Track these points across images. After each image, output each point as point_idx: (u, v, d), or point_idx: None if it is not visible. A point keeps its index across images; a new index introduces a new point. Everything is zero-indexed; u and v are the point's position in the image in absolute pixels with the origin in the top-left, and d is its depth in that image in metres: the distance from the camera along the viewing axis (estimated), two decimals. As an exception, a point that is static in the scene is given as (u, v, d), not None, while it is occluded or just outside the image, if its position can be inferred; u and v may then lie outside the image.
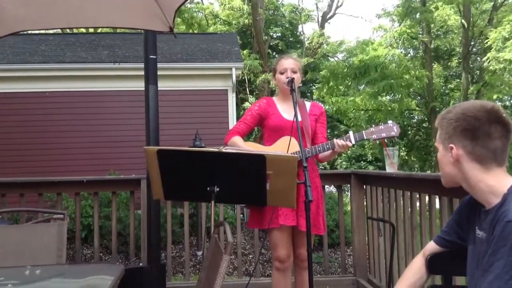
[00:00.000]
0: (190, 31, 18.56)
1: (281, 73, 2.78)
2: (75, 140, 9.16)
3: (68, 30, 14.29)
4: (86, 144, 9.17)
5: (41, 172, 7.98)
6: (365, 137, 2.64)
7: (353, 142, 2.62)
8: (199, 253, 6.59)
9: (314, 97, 17.31)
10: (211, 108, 9.59)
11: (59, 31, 13.74)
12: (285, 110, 2.80)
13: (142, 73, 3.60)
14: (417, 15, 16.30)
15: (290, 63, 2.78)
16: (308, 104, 2.92)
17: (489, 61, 14.45)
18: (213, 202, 2.09)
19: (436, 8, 15.51)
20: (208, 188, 2.06)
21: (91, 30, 14.45)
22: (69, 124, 9.26)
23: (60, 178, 4.01)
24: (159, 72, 3.66)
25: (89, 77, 9.51)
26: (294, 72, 2.76)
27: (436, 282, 2.29)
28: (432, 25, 17.33)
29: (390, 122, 2.68)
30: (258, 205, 2.63)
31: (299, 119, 2.63)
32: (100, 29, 14.41)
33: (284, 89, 2.75)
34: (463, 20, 16.04)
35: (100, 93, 9.47)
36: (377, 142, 2.64)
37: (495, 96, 15.63)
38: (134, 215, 4.03)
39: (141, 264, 3.92)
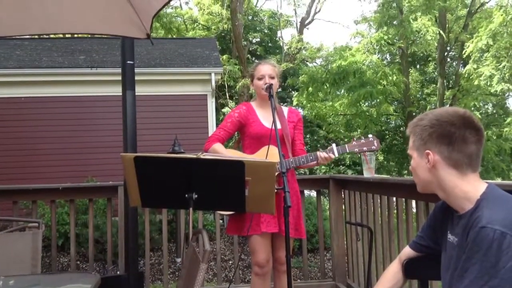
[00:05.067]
0: (169, 36, 18.46)
1: (259, 79, 2.78)
2: (51, 146, 8.99)
3: (44, 35, 14.04)
4: (63, 151, 8.99)
5: (16, 179, 7.82)
6: (347, 150, 2.71)
7: (336, 154, 2.69)
8: (178, 260, 6.53)
9: (294, 102, 17.35)
10: (191, 113, 9.53)
11: (35, 35, 13.49)
12: (265, 117, 2.80)
13: (120, 78, 3.56)
14: (395, 22, 16.50)
15: (267, 69, 2.78)
16: (285, 109, 2.94)
17: (469, 74, 14.76)
18: (191, 209, 2.07)
19: (415, 19, 15.68)
20: (187, 195, 2.04)
21: (68, 34, 14.22)
22: (45, 130, 9.08)
23: (35, 186, 3.93)
24: (137, 77, 3.63)
25: (66, 82, 9.35)
26: (272, 77, 2.76)
27: (414, 287, 2.32)
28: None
29: (370, 136, 2.74)
30: (237, 212, 2.63)
31: (279, 126, 2.65)
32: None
33: (262, 95, 2.76)
34: (440, 30, 16.30)
35: (77, 99, 9.32)
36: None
37: (471, 104, 15.92)
38: (111, 222, 3.98)
39: (118, 272, 3.86)
